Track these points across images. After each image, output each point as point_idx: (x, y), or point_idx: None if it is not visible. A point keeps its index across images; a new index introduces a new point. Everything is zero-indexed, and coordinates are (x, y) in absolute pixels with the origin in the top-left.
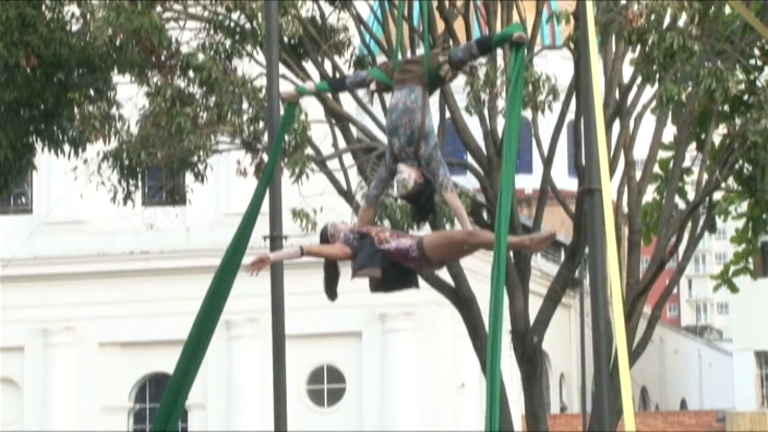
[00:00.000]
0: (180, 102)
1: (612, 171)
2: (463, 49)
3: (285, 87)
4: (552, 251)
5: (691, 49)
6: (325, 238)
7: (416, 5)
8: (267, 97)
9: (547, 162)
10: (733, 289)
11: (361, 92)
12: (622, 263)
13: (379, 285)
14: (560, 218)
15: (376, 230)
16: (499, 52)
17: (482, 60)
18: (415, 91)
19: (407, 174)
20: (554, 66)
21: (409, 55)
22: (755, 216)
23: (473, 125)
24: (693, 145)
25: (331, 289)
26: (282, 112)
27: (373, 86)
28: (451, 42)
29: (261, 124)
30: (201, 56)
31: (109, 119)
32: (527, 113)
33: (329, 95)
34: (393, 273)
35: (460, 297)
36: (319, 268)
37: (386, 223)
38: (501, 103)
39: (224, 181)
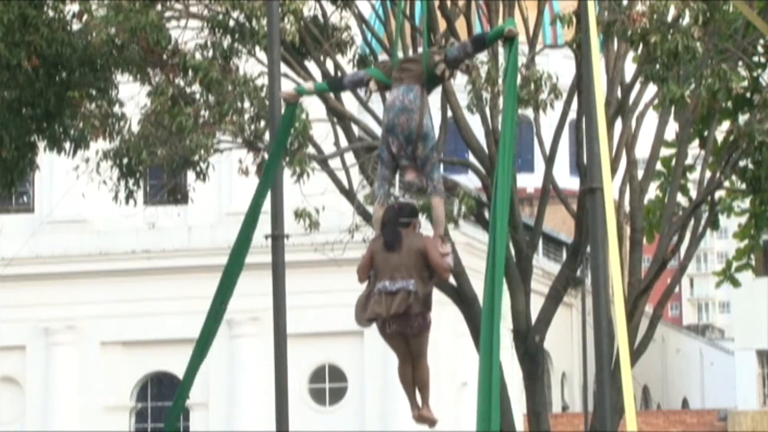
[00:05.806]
0: (181, 101)
1: (614, 170)
2: (459, 48)
3: (284, 87)
4: (554, 250)
5: (695, 50)
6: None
7: (418, 4)
8: (268, 96)
9: (549, 161)
10: (735, 283)
11: (362, 91)
12: (624, 262)
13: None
14: (562, 217)
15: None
16: (501, 51)
17: (484, 58)
18: (413, 91)
19: (417, 180)
20: (556, 65)
21: (411, 53)
22: (758, 212)
23: (475, 124)
24: (695, 142)
25: None
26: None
27: (372, 85)
28: (452, 40)
29: (262, 123)
30: (198, 56)
31: (110, 118)
32: (529, 112)
33: (331, 94)
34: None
35: (462, 296)
36: (319, 269)
37: None
38: (502, 102)
39: (226, 180)
